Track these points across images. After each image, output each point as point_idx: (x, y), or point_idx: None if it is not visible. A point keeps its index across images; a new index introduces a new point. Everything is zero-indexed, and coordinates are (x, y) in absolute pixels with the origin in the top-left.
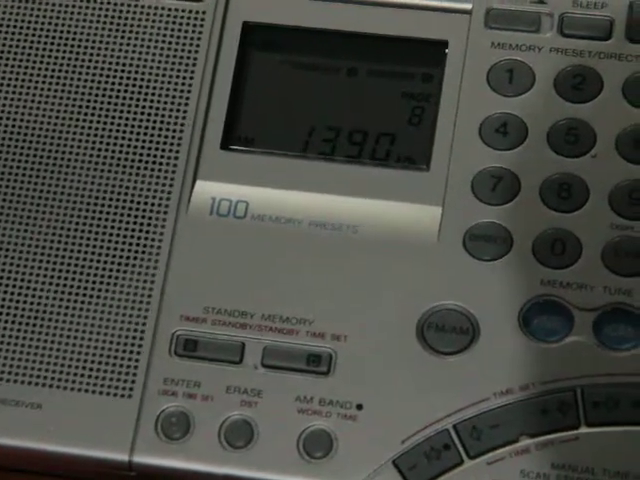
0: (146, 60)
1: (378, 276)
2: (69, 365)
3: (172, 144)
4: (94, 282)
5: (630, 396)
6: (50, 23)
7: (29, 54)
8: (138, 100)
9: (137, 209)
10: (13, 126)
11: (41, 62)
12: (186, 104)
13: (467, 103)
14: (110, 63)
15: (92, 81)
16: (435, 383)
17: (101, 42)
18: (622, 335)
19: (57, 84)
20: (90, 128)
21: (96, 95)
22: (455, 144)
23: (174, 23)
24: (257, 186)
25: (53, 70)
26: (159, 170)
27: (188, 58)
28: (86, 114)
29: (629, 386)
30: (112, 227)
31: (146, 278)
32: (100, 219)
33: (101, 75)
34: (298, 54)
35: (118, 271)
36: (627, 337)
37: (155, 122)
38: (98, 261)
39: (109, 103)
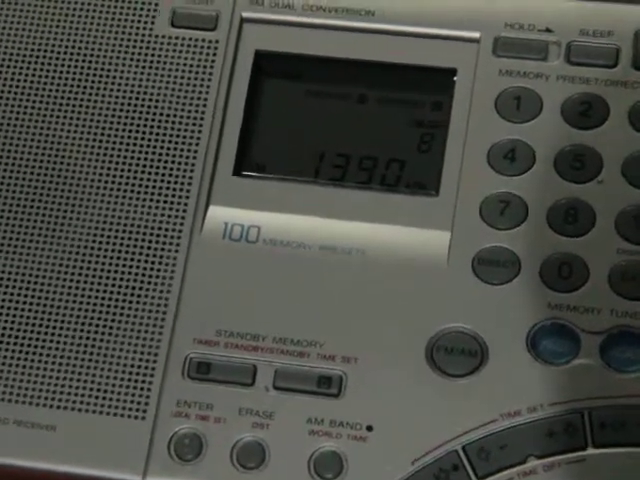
0: (160, 88)
1: (388, 299)
2: (83, 387)
3: (185, 170)
4: (108, 305)
5: (637, 417)
6: (65, 52)
7: (42, 82)
8: (152, 127)
9: (151, 234)
10: (29, 153)
11: (57, 90)
12: (199, 131)
13: (475, 130)
14: (124, 91)
15: (106, 109)
16: (444, 405)
17: (116, 71)
18: (629, 357)
19: (72, 112)
20: (105, 155)
21: (111, 122)
22: (464, 170)
23: (187, 52)
24: (269, 211)
25: (68, 98)
26: (173, 196)
27: (201, 86)
28: (101, 141)
29: (636, 408)
30: (127, 252)
31: (160, 302)
32: (115, 244)
33: (115, 103)
34: (309, 82)
35: (132, 295)
36: (633, 359)
37: (169, 149)
38: (112, 285)
39: (123, 130)
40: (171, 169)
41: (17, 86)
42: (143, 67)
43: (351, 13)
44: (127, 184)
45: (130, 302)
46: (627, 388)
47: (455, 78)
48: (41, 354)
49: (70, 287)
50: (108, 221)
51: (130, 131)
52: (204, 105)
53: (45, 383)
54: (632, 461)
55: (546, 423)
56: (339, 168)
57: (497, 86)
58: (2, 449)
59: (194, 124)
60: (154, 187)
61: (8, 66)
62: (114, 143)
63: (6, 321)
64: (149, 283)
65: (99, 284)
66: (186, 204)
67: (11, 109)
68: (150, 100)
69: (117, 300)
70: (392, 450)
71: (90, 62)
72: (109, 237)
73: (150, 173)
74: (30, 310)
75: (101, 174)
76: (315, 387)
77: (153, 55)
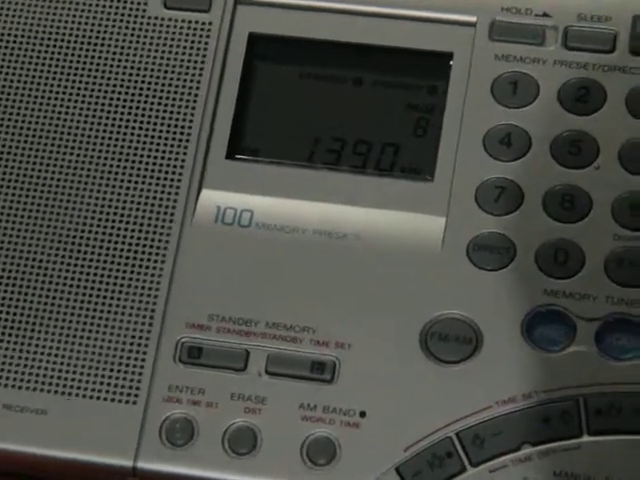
0: (152, 70)
1: (382, 285)
2: (74, 371)
3: (178, 153)
4: (99, 289)
5: (632, 405)
6: (57, 32)
7: (34, 63)
8: (144, 110)
9: (143, 217)
10: (20, 135)
11: (48, 71)
12: (192, 114)
13: (471, 114)
14: (116, 73)
15: (98, 90)
16: (438, 391)
17: (108, 52)
18: (624, 345)
19: (63, 94)
20: (96, 137)
21: (102, 104)
22: (459, 155)
23: (180, 34)
24: (262, 195)
25: (59, 79)
26: (165, 179)
27: (194, 68)
28: (92, 123)
29: (631, 395)
30: (118, 235)
31: (151, 285)
32: (106, 227)
33: (107, 85)
34: (304, 65)
35: (124, 278)
36: (629, 347)
37: (161, 131)
38: (104, 268)
39: (115, 112)
40: (163, 152)
41: (9, 67)
42: (136, 49)
43: None
44: (119, 167)
45: (121, 285)
46: (622, 375)
47: (451, 62)
48: (31, 337)
49: (61, 270)
50: (99, 204)
51: (122, 113)
52: (197, 87)
53: (36, 367)
54: (628, 449)
55: (541, 410)
56: (333, 152)
57: (493, 71)
58: None
59: (187, 107)
60: (146, 170)
61: (2, 47)
62: (106, 125)
63: None
64: (140, 267)
65: (90, 267)
66: (178, 187)
67: (2, 90)
68: (142, 82)
69: (108, 284)
70: (385, 436)
71: (82, 43)
72: (100, 220)
73: (142, 156)
74: (20, 293)
75: (92, 156)
76: (308, 372)
77: (146, 37)
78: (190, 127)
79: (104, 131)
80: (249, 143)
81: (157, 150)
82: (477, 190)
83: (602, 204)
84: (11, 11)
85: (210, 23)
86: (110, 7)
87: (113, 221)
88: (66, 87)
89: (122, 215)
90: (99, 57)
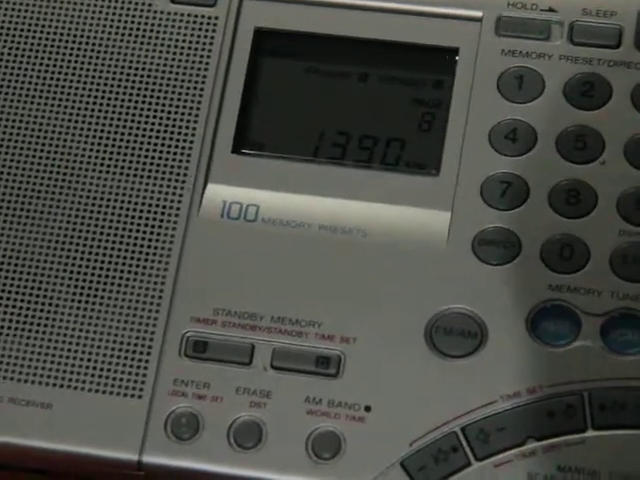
0: (158, 65)
1: (387, 279)
2: (79, 365)
3: (184, 148)
4: (105, 283)
5: (636, 400)
6: (63, 27)
7: (40, 57)
8: (150, 104)
9: (149, 212)
10: (26, 129)
11: (53, 66)
12: (198, 108)
13: (477, 109)
14: (122, 67)
15: (104, 85)
16: (443, 386)
17: (113, 47)
18: (629, 340)
19: (69, 87)
20: (102, 131)
21: (108, 99)
22: (465, 150)
23: (186, 28)
24: (268, 190)
25: (65, 74)
26: (170, 173)
27: (200, 63)
28: (98, 117)
29: (636, 390)
30: (124, 229)
31: (157, 280)
32: (112, 221)
33: (113, 79)
34: (309, 60)
35: (129, 272)
36: (634, 342)
37: (167, 126)
38: (109, 262)
39: (121, 107)
40: (169, 146)
41: (14, 61)
42: (142, 43)
43: None
44: (125, 161)
45: (127, 280)
46: (627, 370)
47: (457, 57)
48: (37, 331)
49: (66, 264)
50: (105, 198)
51: (128, 108)
52: (203, 82)
53: (41, 360)
54: (632, 443)
55: (545, 405)
56: (339, 147)
57: (499, 66)
58: None
59: (193, 101)
60: (152, 164)
61: (5, 41)
62: (112, 120)
63: (1, 297)
64: (146, 261)
65: (95, 261)
66: (184, 182)
67: (7, 84)
68: (149, 77)
69: (114, 278)
70: (390, 431)
71: (88, 38)
72: (106, 214)
73: (148, 150)
74: (26, 287)
75: (98, 151)
76: (313, 367)
77: (152, 31)
78: (196, 122)
79: (110, 125)
80: (255, 138)
81: (163, 145)
82: (482, 185)
83: (607, 199)
84: (17, 5)
85: (216, 18)
86: (116, 1)
87: (119, 215)
88: (72, 82)
89: (128, 209)
90: (105, 51)
